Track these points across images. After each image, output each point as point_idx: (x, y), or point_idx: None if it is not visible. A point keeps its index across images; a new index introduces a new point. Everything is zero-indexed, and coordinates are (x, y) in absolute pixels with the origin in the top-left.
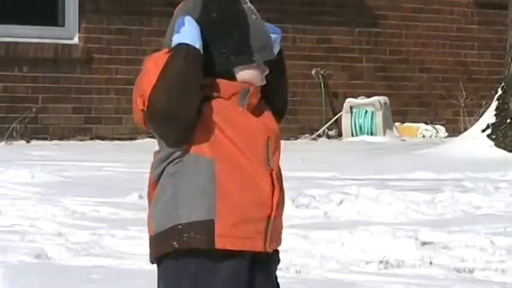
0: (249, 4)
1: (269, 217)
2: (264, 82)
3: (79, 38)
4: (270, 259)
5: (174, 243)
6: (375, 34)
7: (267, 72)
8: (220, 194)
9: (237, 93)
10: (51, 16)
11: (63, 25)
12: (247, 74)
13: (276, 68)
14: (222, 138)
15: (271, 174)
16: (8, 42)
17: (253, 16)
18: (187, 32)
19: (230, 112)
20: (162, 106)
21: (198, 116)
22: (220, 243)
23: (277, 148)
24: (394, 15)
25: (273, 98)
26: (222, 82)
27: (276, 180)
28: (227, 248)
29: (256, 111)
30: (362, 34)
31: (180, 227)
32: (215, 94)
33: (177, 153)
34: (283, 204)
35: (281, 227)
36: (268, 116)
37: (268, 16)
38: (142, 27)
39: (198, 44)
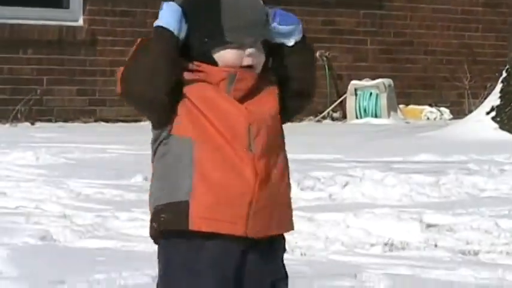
0: None
1: (251, 202)
2: (250, 63)
3: (83, 20)
4: (272, 245)
5: (154, 224)
6: (379, 16)
7: (252, 51)
8: (198, 175)
9: (224, 79)
10: None
11: (67, 7)
12: (223, 56)
13: (291, 53)
14: (204, 121)
15: (253, 159)
16: (12, 24)
17: None
18: (163, 16)
19: (213, 97)
20: (131, 88)
21: (180, 98)
22: (195, 225)
23: (261, 134)
24: None
25: (288, 80)
26: (208, 67)
27: (263, 166)
28: (202, 230)
29: (250, 95)
30: (367, 16)
31: (159, 208)
32: (200, 78)
33: (164, 134)
34: (283, 190)
35: (281, 213)
36: (262, 99)
37: None
38: (146, 10)
39: (172, 26)
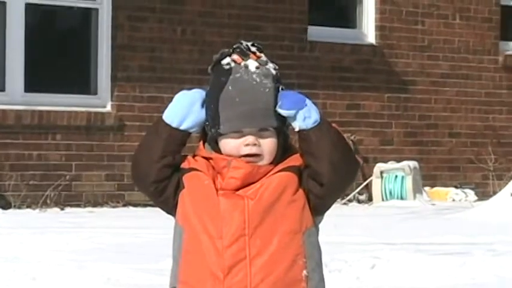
0: (251, 68)
1: None
2: (247, 152)
3: (111, 105)
4: None
5: None
6: (404, 99)
7: (250, 140)
8: (182, 263)
9: (225, 166)
10: (84, 85)
11: (96, 93)
12: (224, 145)
13: (310, 138)
14: (191, 211)
15: (222, 248)
16: (41, 111)
17: (241, 83)
18: (169, 106)
19: (206, 189)
20: (131, 170)
21: (168, 185)
22: None
23: (264, 218)
24: (423, 80)
25: (316, 169)
26: (214, 155)
27: (233, 253)
28: None
29: (251, 183)
30: (391, 99)
31: None
32: (207, 167)
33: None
34: (282, 274)
35: None
36: (269, 186)
37: (299, 82)
38: (173, 95)
39: (170, 119)
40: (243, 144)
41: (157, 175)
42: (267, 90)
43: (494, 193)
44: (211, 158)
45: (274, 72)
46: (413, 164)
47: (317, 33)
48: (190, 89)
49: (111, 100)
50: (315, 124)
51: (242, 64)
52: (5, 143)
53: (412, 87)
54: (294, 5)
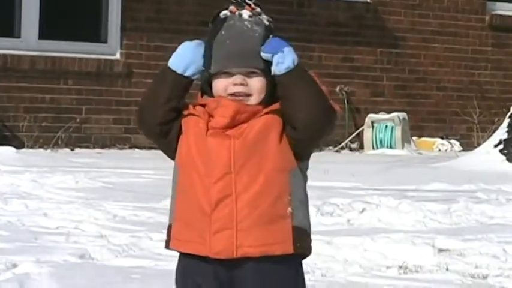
0: (244, 16)
1: (209, 224)
2: (234, 90)
3: (120, 54)
4: (269, 266)
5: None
6: (395, 54)
7: (237, 80)
8: (177, 201)
9: (216, 107)
10: (95, 33)
11: (105, 41)
12: (215, 86)
13: (282, 83)
14: (185, 151)
15: (209, 184)
16: (54, 57)
17: (233, 29)
18: (174, 55)
19: (198, 130)
20: (138, 114)
21: (172, 129)
22: (173, 245)
23: (250, 157)
24: (413, 37)
25: (288, 112)
26: (208, 99)
27: (219, 189)
28: (178, 250)
29: (240, 122)
30: (383, 54)
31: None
32: (202, 112)
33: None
34: (267, 209)
35: (266, 233)
36: (255, 126)
37: (296, 35)
38: (178, 45)
39: (175, 66)
40: (232, 83)
41: (162, 117)
42: (256, 35)
43: (478, 144)
44: (206, 104)
45: (266, 22)
46: (402, 115)
47: None
48: (192, 39)
49: (120, 48)
50: (287, 70)
51: (236, 13)
52: (20, 87)
53: (403, 43)
54: None
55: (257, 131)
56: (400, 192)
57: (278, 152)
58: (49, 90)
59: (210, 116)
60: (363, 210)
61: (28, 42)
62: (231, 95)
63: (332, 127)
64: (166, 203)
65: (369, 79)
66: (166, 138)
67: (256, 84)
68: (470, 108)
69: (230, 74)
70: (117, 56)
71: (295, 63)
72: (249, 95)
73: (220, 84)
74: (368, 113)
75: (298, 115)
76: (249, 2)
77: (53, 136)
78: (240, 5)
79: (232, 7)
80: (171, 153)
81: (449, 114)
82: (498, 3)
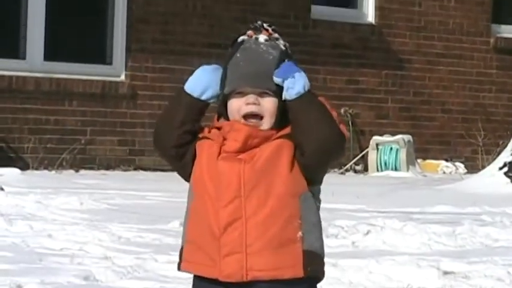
0: (261, 40)
1: (219, 247)
2: (247, 110)
3: (125, 75)
4: None
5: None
6: (400, 76)
7: (250, 99)
8: (189, 224)
9: (229, 130)
10: (100, 55)
11: (111, 63)
12: (229, 108)
13: (292, 108)
14: (198, 174)
15: (219, 208)
16: (59, 79)
17: (248, 51)
18: (191, 78)
19: (210, 153)
20: (154, 137)
21: (187, 152)
22: (184, 267)
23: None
24: (418, 59)
25: (298, 138)
26: (221, 122)
27: (230, 212)
28: (189, 271)
29: (252, 147)
30: (388, 76)
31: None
32: (217, 136)
33: (189, 184)
34: (277, 233)
35: (277, 256)
36: (266, 150)
37: (301, 57)
38: (183, 67)
39: (191, 89)
40: (245, 103)
41: (177, 140)
42: (271, 57)
43: (483, 167)
44: (221, 127)
45: (283, 47)
46: (407, 137)
47: (320, 12)
48: (209, 63)
49: (125, 70)
50: (297, 95)
51: (253, 37)
52: (25, 108)
53: (408, 65)
54: None
55: (268, 156)
56: (404, 214)
57: (288, 177)
58: (54, 111)
59: (224, 139)
60: (367, 233)
61: (33, 63)
62: (244, 117)
63: (341, 153)
64: (172, 225)
65: (374, 101)
66: (181, 161)
67: (268, 105)
68: (475, 130)
69: (243, 94)
70: (122, 77)
71: (306, 88)
72: (261, 118)
73: (234, 105)
74: (373, 135)
75: (306, 141)
76: (267, 27)
77: (57, 157)
78: (258, 30)
79: (250, 31)
80: (186, 176)
81: (454, 136)
82: (503, 26)
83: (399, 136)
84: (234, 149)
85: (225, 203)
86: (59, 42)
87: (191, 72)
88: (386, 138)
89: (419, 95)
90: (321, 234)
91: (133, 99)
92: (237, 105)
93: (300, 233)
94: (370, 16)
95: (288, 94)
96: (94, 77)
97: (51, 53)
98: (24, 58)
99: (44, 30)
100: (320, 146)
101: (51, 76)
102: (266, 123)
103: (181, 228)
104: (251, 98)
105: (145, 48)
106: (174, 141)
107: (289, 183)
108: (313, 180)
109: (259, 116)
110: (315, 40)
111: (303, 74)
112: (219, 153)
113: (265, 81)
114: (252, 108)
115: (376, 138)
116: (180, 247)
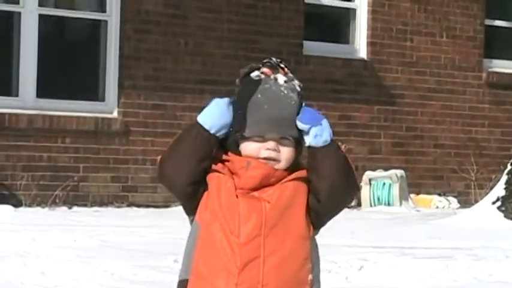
0: (280, 81)
1: (236, 284)
2: (266, 155)
3: (118, 112)
4: None
5: None
6: (392, 112)
7: (271, 145)
8: (196, 258)
9: (243, 167)
10: (93, 92)
11: (103, 100)
12: (245, 148)
13: (316, 155)
14: (215, 209)
15: (238, 245)
16: (52, 116)
17: (270, 93)
18: (205, 111)
19: (226, 190)
20: (162, 173)
21: (201, 186)
22: None
23: (278, 221)
24: (410, 94)
25: (315, 184)
26: (232, 156)
27: (249, 251)
28: None
29: (267, 186)
30: (380, 111)
31: (178, 285)
32: (222, 168)
33: (191, 217)
34: (292, 273)
35: None
36: (283, 191)
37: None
38: (176, 103)
39: (208, 124)
40: (264, 148)
41: (195, 177)
42: (293, 102)
43: (476, 201)
44: (227, 160)
45: (298, 88)
46: (400, 172)
47: (312, 47)
48: (221, 97)
49: (118, 107)
50: (324, 144)
51: (272, 76)
52: (18, 145)
53: (400, 100)
54: (291, 20)
55: (288, 197)
56: (398, 249)
57: (302, 219)
58: (47, 148)
59: (233, 173)
60: (361, 268)
61: (25, 100)
62: (263, 158)
63: (350, 202)
64: (166, 261)
65: (366, 136)
66: (195, 196)
67: (287, 153)
68: (468, 165)
69: (263, 138)
70: (115, 114)
71: (332, 137)
72: (277, 160)
73: (252, 147)
74: (365, 171)
75: (324, 188)
76: (282, 65)
77: (50, 194)
78: (274, 68)
79: (266, 69)
80: (193, 208)
81: (446, 171)
82: (495, 61)
83: (392, 171)
84: (250, 186)
85: (245, 241)
86: (51, 79)
87: (183, 108)
88: (379, 173)
89: (412, 130)
90: (320, 279)
91: (126, 135)
92: (256, 148)
93: (310, 276)
94: (362, 51)
95: (315, 141)
96: (87, 113)
97: (44, 90)
98: (16, 95)
99: (37, 68)
100: (335, 195)
101: (44, 113)
102: (283, 166)
103: (176, 265)
104: (272, 144)
105: (137, 85)
106: (192, 178)
107: (303, 226)
108: (319, 226)
109: (277, 160)
110: (308, 76)
111: (326, 121)
112: (235, 189)
113: (288, 128)
114: (271, 154)
115: (369, 173)
116: (178, 280)
